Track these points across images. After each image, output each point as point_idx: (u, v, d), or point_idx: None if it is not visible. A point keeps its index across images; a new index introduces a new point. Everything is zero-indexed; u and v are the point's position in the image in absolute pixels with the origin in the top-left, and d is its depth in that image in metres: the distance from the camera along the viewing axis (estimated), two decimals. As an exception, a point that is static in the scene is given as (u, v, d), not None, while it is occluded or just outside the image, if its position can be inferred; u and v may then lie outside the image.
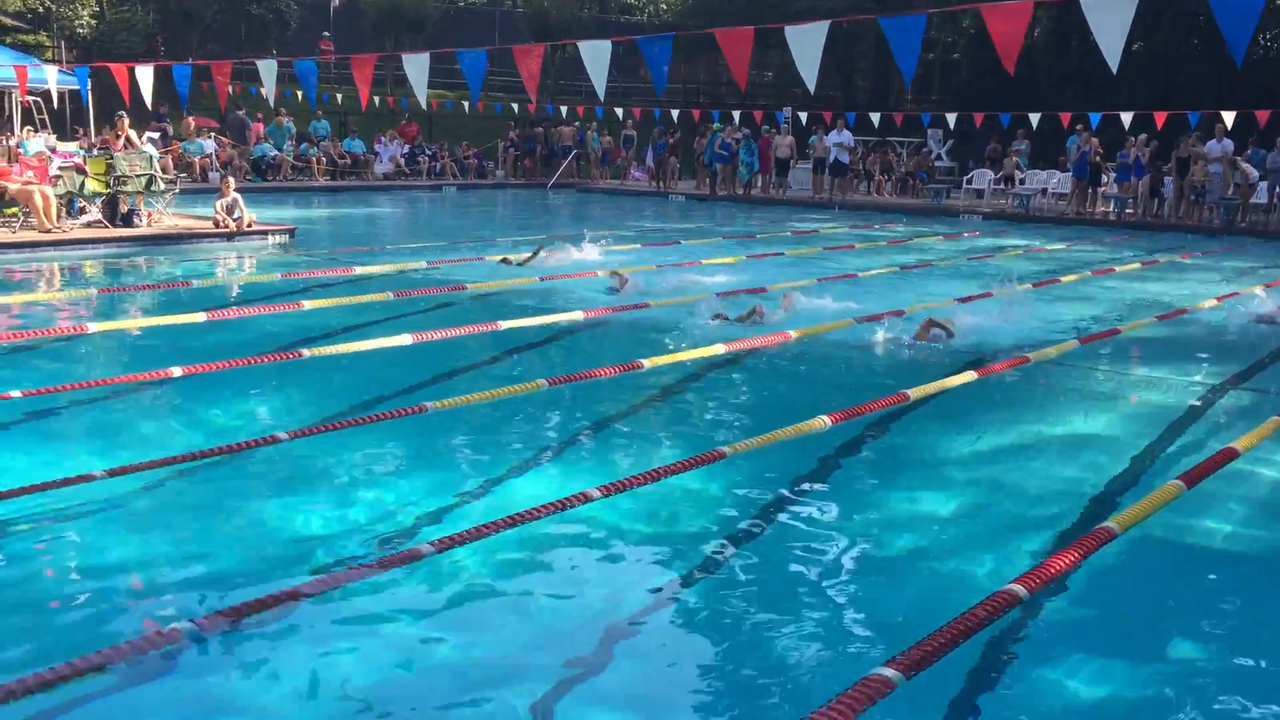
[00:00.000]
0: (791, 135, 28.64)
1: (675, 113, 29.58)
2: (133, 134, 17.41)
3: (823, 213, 25.07)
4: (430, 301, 11.03)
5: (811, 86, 9.15)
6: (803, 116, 29.13)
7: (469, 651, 4.08)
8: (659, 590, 4.65)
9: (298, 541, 5.03)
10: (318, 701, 3.71)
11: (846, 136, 27.03)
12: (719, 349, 8.56)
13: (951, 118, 26.83)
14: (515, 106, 31.64)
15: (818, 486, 6.05)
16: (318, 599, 4.30)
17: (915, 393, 7.16)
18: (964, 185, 27.68)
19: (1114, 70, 7.94)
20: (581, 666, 3.97)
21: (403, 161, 30.02)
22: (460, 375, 8.12)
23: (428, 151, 30.92)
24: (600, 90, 8.65)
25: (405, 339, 8.78)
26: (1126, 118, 24.02)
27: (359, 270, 13.28)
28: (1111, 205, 24.76)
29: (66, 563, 4.79)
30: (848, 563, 5.00)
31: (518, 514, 4.90)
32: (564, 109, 30.20)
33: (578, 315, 10.21)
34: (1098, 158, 24.22)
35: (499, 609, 4.46)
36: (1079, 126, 24.55)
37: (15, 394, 6.85)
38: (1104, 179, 24.89)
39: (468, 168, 31.61)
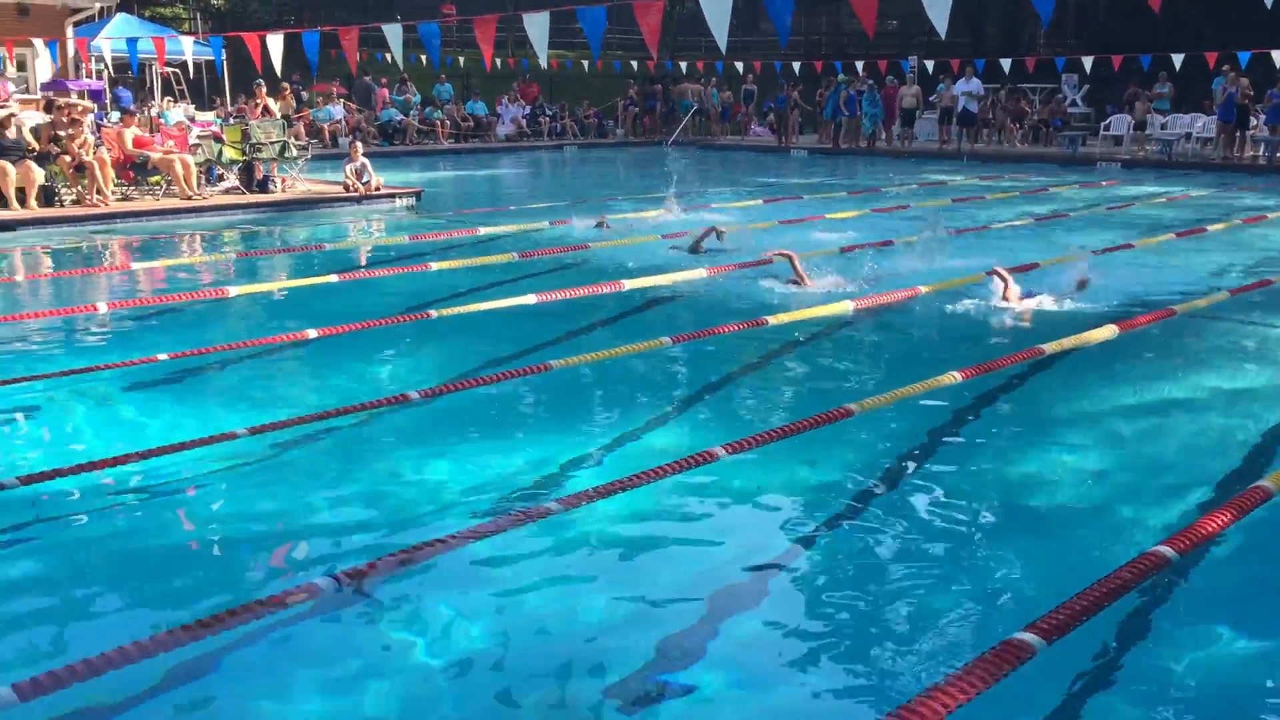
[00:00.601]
0: (918, 85, 27.89)
1: (797, 65, 29.04)
2: (271, 102, 17.88)
3: (950, 164, 24.40)
4: (553, 262, 11.08)
5: (943, 32, 8.84)
6: (929, 65, 28.30)
7: (594, 609, 4.09)
8: (785, 550, 4.60)
9: (429, 498, 5.12)
10: (449, 653, 3.77)
11: (975, 84, 26.20)
12: (846, 306, 8.41)
13: (1088, 61, 25.74)
14: (634, 64, 31.52)
15: (949, 443, 5.89)
16: (449, 555, 4.36)
17: (1051, 347, 6.92)
18: (1101, 132, 26.58)
19: (1268, 4, 7.45)
20: (705, 626, 3.95)
21: (524, 123, 30.22)
22: (584, 334, 8.14)
23: (548, 112, 31.05)
24: (722, 44, 8.50)
25: (530, 299, 8.86)
26: (1278, 56, 22.68)
27: (483, 231, 13.44)
28: (1261, 149, 23.48)
29: (211, 518, 4.96)
30: (981, 523, 4.86)
31: (643, 472, 4.90)
32: (683, 65, 29.94)
33: (701, 273, 10.15)
34: (1246, 100, 22.96)
35: (625, 567, 4.46)
36: (1225, 67, 23.28)
37: (162, 356, 7.12)
38: (1252, 121, 23.61)
39: (588, 127, 31.66)
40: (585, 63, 30.47)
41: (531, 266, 10.72)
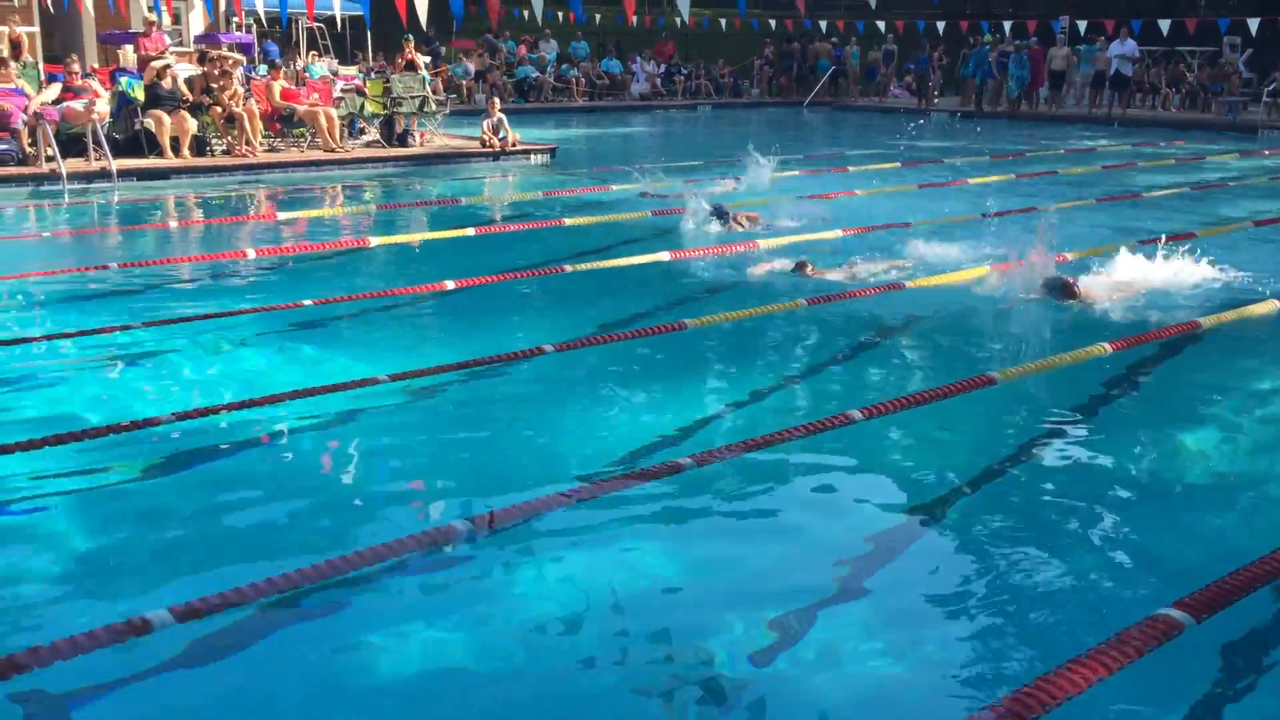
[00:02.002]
0: (1068, 46, 26.80)
1: (941, 24, 28.19)
2: (417, 56, 18.16)
3: (1101, 129, 23.44)
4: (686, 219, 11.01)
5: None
6: (1081, 25, 27.16)
7: (720, 568, 4.06)
8: (920, 518, 4.49)
9: (562, 450, 5.16)
10: (575, 601, 3.79)
11: (1130, 46, 25.04)
12: (986, 270, 8.16)
13: (1253, 23, 24.36)
14: (772, 23, 31.03)
15: (1097, 415, 5.67)
16: (580, 506, 4.39)
17: (1209, 321, 6.60)
18: (1265, 98, 25.19)
19: None
20: (833, 591, 3.88)
21: (659, 81, 30.09)
22: (718, 292, 8.07)
23: (683, 71, 30.84)
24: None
25: (664, 255, 8.84)
26: None
27: (616, 188, 13.45)
28: None
29: (350, 460, 5.09)
30: (1128, 497, 4.67)
31: (777, 432, 4.85)
32: (823, 24, 29.37)
33: (837, 234, 9.97)
34: None
35: (755, 526, 4.42)
36: None
37: (307, 302, 7.32)
38: None
39: (723, 86, 31.35)
40: (723, 21, 30.08)
41: (664, 224, 10.67)
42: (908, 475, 4.89)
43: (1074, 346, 5.86)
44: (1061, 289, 7.54)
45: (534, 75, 27.98)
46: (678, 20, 26.34)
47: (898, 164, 16.48)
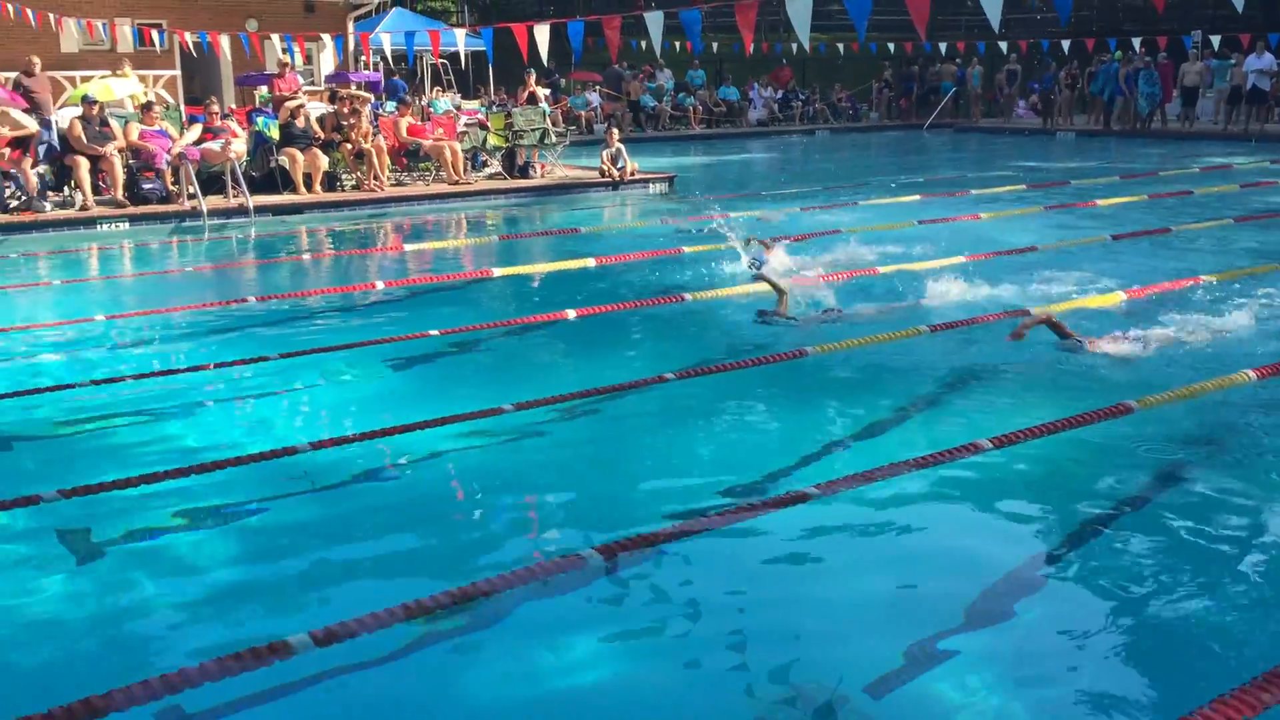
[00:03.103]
0: (1201, 61, 25.92)
1: (1066, 43, 27.56)
2: (538, 90, 18.52)
3: (1237, 146, 22.57)
4: (805, 247, 10.94)
5: (1239, 2, 8.14)
6: (1214, 40, 26.25)
7: (847, 599, 4.01)
8: (1053, 550, 4.36)
9: (686, 477, 5.17)
10: (700, 630, 3.79)
11: (1268, 60, 24.08)
12: (1118, 298, 7.92)
13: (1403, 32, 23.20)
14: (891, 46, 30.76)
15: (1240, 447, 5.44)
16: (705, 535, 4.39)
17: (1363, 346, 6.28)
18: None
19: None
20: (959, 624, 3.79)
21: (776, 107, 30.07)
22: (840, 320, 7.99)
23: (801, 96, 30.77)
24: (995, 21, 8.12)
25: (783, 282, 8.79)
26: None
27: (735, 216, 13.46)
28: None
29: (476, 489, 5.17)
30: (1276, 528, 4.47)
31: (904, 461, 4.77)
32: (943, 46, 28.99)
33: (960, 259, 9.80)
34: None
35: (882, 557, 4.35)
36: None
37: (434, 332, 7.50)
38: None
39: (841, 111, 31.18)
40: (841, 45, 29.96)
41: (786, 250, 10.61)
42: (1039, 507, 4.77)
43: (1215, 374, 5.64)
44: (1197, 310, 7.27)
45: (652, 105, 28.24)
46: (794, 46, 26.33)
47: (1023, 186, 16.13)
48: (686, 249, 10.87)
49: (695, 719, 3.36)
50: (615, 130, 18.06)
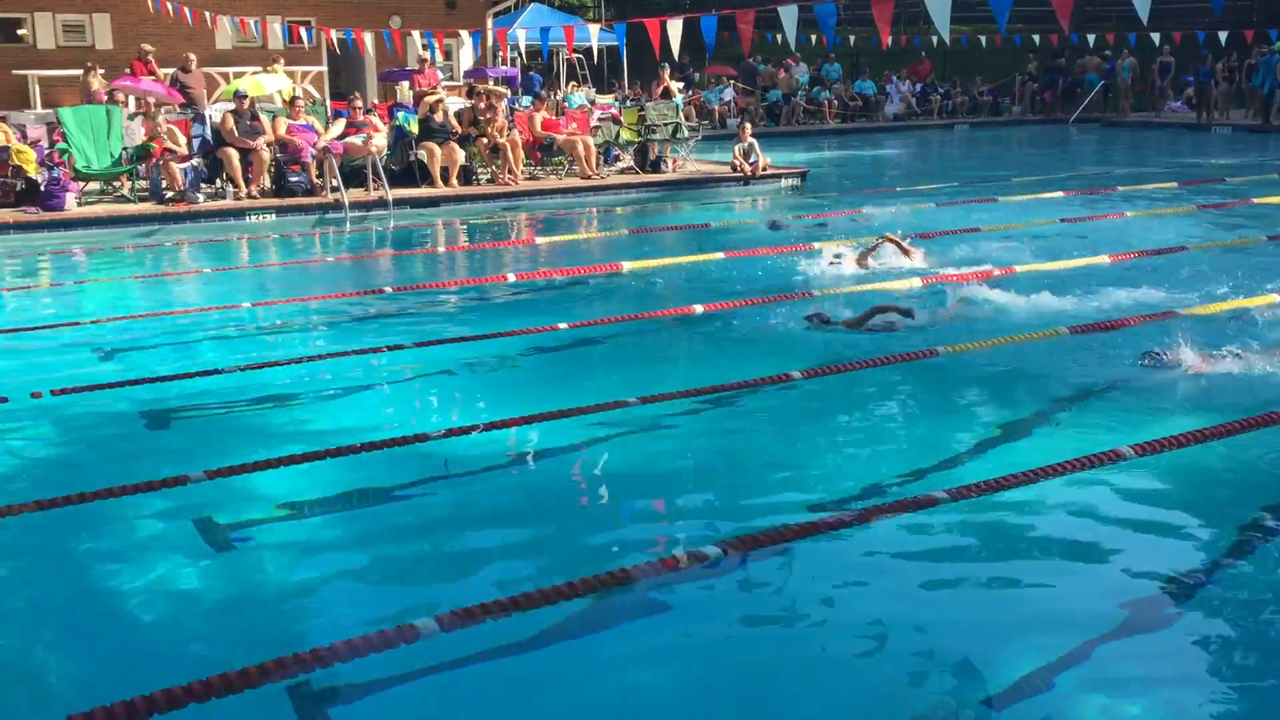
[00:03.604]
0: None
1: (1223, 33, 26.32)
2: (671, 84, 18.56)
3: None
4: (941, 244, 10.71)
5: None
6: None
7: (972, 608, 3.91)
8: (1198, 566, 4.17)
9: (812, 476, 5.11)
10: (822, 630, 3.75)
11: None
12: (1275, 298, 7.53)
13: None
14: (1036, 38, 29.82)
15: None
16: (830, 535, 4.33)
17: None
18: None
19: None
20: (1091, 639, 3.63)
21: (914, 101, 29.49)
22: (973, 319, 7.79)
23: (940, 90, 30.11)
24: (1144, 11, 7.80)
25: (914, 282, 8.64)
26: None
27: (867, 211, 13.26)
28: None
29: (600, 481, 5.21)
30: None
31: (1040, 468, 4.63)
32: (1090, 37, 27.99)
33: (1103, 259, 9.47)
34: None
35: (1013, 567, 4.22)
36: None
37: (562, 325, 7.58)
38: None
39: (981, 105, 30.39)
40: (983, 38, 29.17)
41: (920, 247, 10.40)
42: (1180, 520, 4.56)
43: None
44: None
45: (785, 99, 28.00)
46: (934, 39, 25.78)
47: (1174, 184, 15.48)
48: (817, 244, 10.74)
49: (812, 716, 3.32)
50: (748, 125, 17.95)
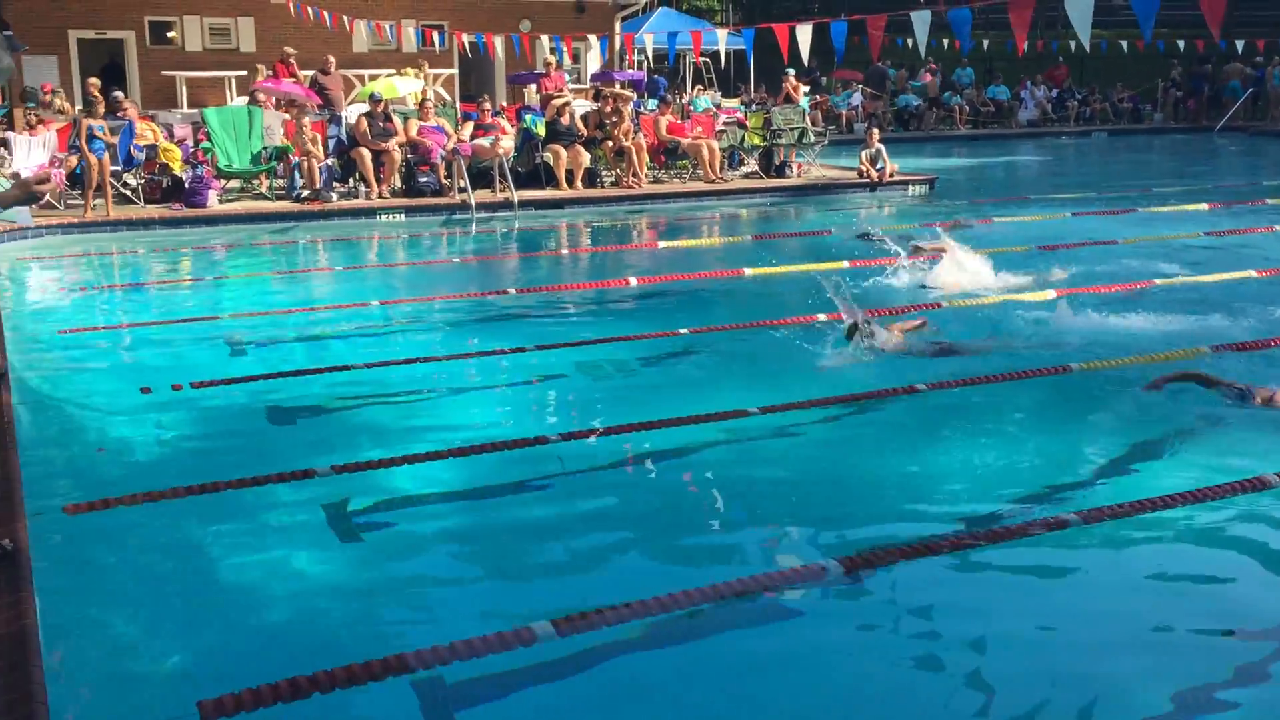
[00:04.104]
0: None
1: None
2: (798, 89, 18.42)
3: None
4: (1075, 256, 10.37)
5: None
6: None
7: (1096, 633, 3.75)
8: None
9: (933, 492, 4.99)
10: (936, 650, 3.65)
11: None
12: None
13: None
14: (1180, 44, 28.72)
15: None
16: (951, 554, 4.23)
17: None
18: None
19: None
20: (1221, 679, 3.47)
21: (1049, 107, 28.67)
22: (1111, 334, 7.51)
23: (1077, 96, 29.21)
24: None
25: (1048, 294, 8.39)
26: None
27: (998, 221, 12.93)
28: None
29: (721, 491, 5.17)
30: None
31: (1179, 493, 4.44)
32: (1239, 43, 26.83)
33: (1249, 273, 9.05)
34: None
35: (1148, 597, 4.05)
36: None
37: (683, 330, 7.56)
38: None
39: (1121, 111, 29.38)
40: (1124, 43, 28.20)
41: (1052, 259, 10.11)
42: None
43: None
44: None
45: (915, 104, 27.52)
46: (1072, 44, 25.05)
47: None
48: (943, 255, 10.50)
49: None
50: (876, 130, 17.70)
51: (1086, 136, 27.42)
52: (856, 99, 27.14)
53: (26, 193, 3.65)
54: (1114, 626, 3.81)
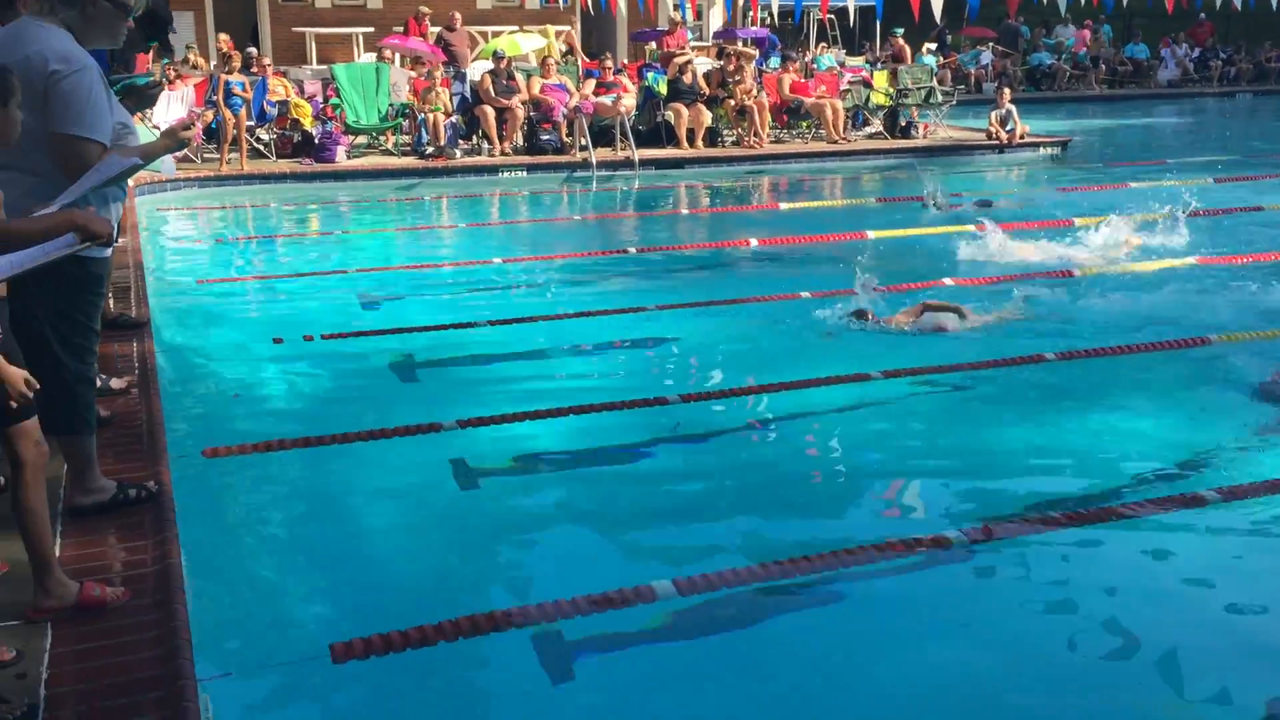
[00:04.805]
0: None
1: None
2: (904, 49, 17.98)
3: None
4: (1219, 224, 9.93)
5: None
6: None
7: (1234, 616, 3.62)
8: None
9: (1064, 464, 4.87)
10: (1061, 627, 3.57)
11: None
12: None
13: None
14: (1338, -2, 27.13)
15: None
16: (1081, 528, 4.12)
17: None
18: None
19: None
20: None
21: (1191, 67, 27.42)
22: (1250, 307, 7.19)
23: (1221, 55, 27.86)
24: None
25: (1189, 260, 8.08)
26: None
27: (1134, 186, 12.45)
28: None
29: (845, 456, 5.13)
30: None
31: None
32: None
33: None
34: None
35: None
36: None
37: (804, 294, 7.47)
38: None
39: (1268, 71, 27.95)
40: (1274, 0, 26.78)
41: (1193, 227, 9.69)
42: None
43: None
44: None
45: (1049, 63, 26.59)
46: (1218, 1, 23.89)
47: None
48: (1077, 220, 10.18)
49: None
50: (1007, 90, 17.14)
51: (1231, 98, 26.17)
52: (986, 58, 26.33)
53: (175, 141, 3.80)
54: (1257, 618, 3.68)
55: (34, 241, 2.54)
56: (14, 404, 2.86)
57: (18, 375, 2.85)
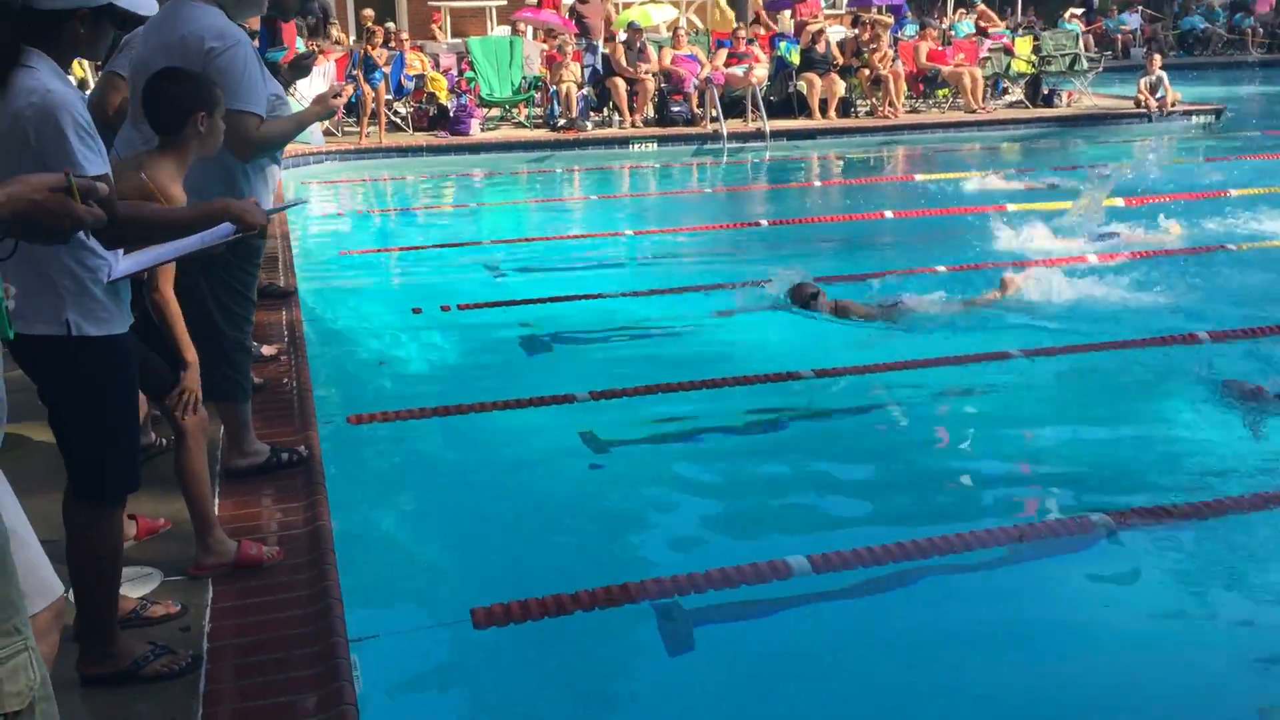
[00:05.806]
0: None
1: None
2: (987, 15, 17.42)
3: None
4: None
5: None
6: None
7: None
8: None
9: (1204, 450, 4.68)
10: (1194, 618, 3.50)
11: None
12: None
13: None
14: None
15: None
16: (1225, 517, 3.98)
17: None
18: None
19: None
20: None
21: (1359, 29, 25.84)
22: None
23: (1394, 15, 26.17)
24: None
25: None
26: None
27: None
28: None
29: (976, 436, 5.02)
30: None
31: None
32: None
33: None
34: None
35: None
36: None
37: (940, 269, 7.34)
38: None
39: None
40: None
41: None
42: None
43: None
44: None
45: (1202, 27, 25.35)
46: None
47: None
48: (1234, 192, 9.72)
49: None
50: (1157, 56, 16.45)
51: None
52: (1134, 22, 25.26)
53: (325, 108, 3.97)
54: None
55: (182, 232, 2.66)
56: (184, 396, 3.07)
57: (195, 379, 3.08)
